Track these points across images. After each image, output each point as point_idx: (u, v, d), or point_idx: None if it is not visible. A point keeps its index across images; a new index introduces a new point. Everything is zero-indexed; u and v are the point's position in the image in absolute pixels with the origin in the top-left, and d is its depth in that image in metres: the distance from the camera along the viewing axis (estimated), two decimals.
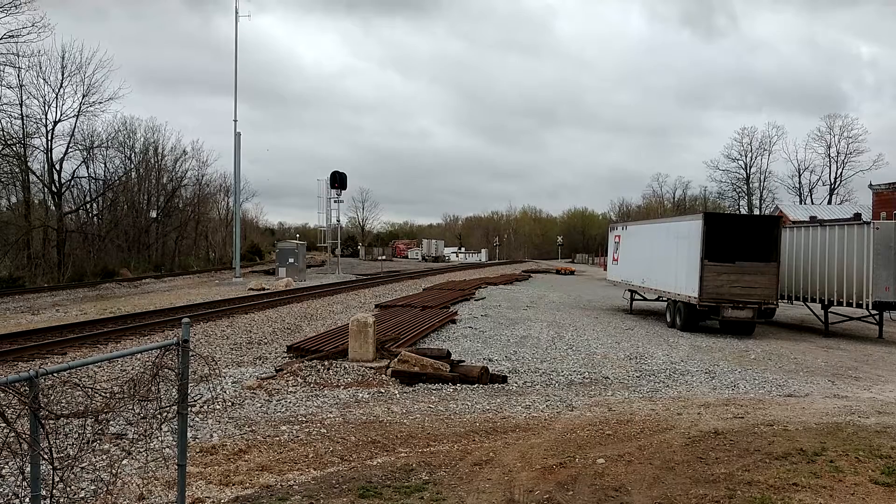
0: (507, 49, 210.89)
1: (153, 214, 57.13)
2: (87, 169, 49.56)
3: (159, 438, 7.13)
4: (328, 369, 11.63)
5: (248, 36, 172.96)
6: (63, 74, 44.78)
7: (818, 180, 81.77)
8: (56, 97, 44.74)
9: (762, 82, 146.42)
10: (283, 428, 8.23)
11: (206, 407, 9.00)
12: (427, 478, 6.39)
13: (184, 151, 60.78)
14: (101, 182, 51.18)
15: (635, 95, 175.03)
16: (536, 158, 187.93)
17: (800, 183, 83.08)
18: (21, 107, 41.85)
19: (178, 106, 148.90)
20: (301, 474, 6.54)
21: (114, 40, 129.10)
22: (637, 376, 12.55)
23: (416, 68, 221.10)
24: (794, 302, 21.47)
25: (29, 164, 43.54)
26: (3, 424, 3.36)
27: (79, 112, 45.64)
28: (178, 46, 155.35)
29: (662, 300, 22.98)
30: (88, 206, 51.71)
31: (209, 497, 5.87)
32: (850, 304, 18.96)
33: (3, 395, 3.53)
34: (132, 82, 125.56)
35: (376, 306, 24.02)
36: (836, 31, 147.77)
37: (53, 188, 45.90)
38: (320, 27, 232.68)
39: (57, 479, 3.84)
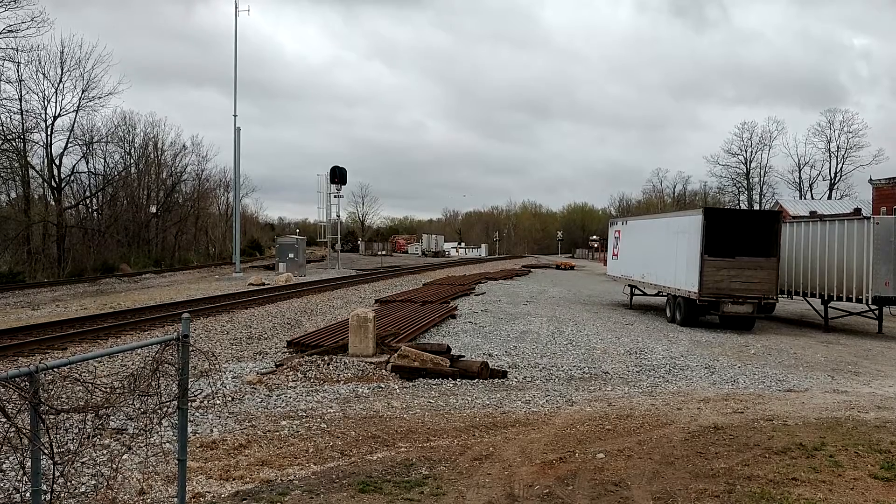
0: (495, 41, 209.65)
1: (153, 209, 57.17)
2: (87, 164, 49.64)
3: (159, 433, 7.13)
4: (328, 364, 11.64)
5: (229, 27, 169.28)
6: (62, 69, 44.85)
7: (818, 175, 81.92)
8: (55, 92, 44.83)
9: (757, 75, 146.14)
10: (284, 423, 8.24)
11: (206, 402, 9.00)
12: (427, 472, 6.40)
13: (183, 146, 60.90)
14: (100, 177, 51.18)
15: (628, 88, 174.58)
16: (532, 153, 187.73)
17: (800, 178, 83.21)
18: (20, 102, 41.98)
19: (158, 99, 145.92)
20: (301, 469, 6.55)
21: (91, 30, 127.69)
22: (637, 371, 12.56)
23: (403, 60, 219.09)
24: (794, 297, 21.47)
25: (28, 159, 43.59)
26: (4, 419, 3.37)
27: (78, 107, 45.71)
28: (158, 37, 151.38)
29: (662, 295, 23.00)
30: (88, 201, 51.69)
31: (209, 492, 5.88)
32: (849, 300, 18.97)
33: (3, 390, 3.53)
34: (115, 74, 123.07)
35: (376, 301, 24.02)
36: (829, 23, 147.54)
37: (53, 183, 45.88)
38: (301, 19, 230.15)
39: (57, 473, 3.84)
